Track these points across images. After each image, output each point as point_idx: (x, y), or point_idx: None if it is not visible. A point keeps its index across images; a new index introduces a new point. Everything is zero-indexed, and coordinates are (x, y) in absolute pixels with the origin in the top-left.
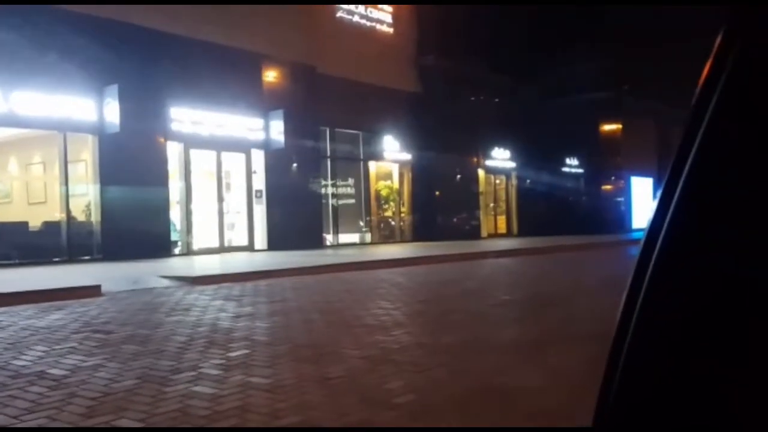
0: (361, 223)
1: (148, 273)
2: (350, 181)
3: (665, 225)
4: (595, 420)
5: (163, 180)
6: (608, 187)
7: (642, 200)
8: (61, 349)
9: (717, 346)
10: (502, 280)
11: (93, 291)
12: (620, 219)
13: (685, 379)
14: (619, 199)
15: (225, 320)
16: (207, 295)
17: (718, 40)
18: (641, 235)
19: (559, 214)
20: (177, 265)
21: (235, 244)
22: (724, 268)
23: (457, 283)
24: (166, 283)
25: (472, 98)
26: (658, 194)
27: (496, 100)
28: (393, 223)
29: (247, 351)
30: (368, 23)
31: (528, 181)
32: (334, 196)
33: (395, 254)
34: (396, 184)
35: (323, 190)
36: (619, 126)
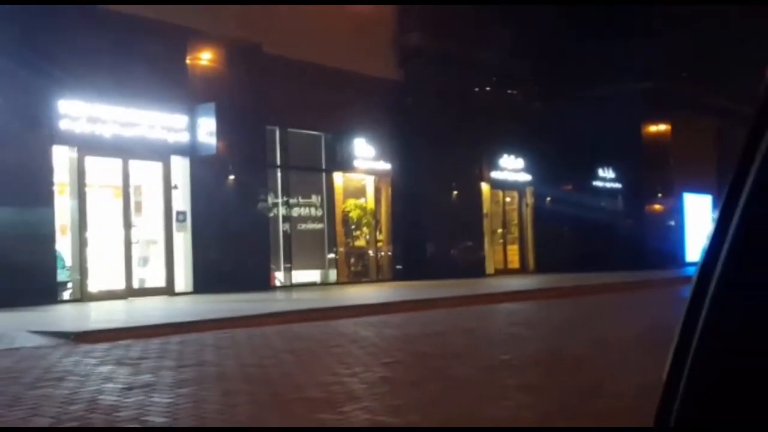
0: (328, 256)
1: (15, 327)
2: (309, 199)
3: (723, 254)
4: (657, 420)
5: (46, 198)
6: (655, 207)
7: (699, 224)
8: None
9: None
10: (504, 333)
11: None
12: (671, 249)
13: (751, 384)
14: (669, 223)
15: (110, 394)
16: (93, 357)
17: None
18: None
19: (589, 244)
20: (61, 315)
21: (148, 285)
22: None
23: (442, 337)
24: (38, 341)
25: (475, 90)
26: (714, 216)
27: (508, 92)
28: (367, 255)
29: None
30: None
31: (548, 199)
32: (286, 219)
33: (365, 298)
34: (371, 203)
35: (271, 212)
36: (669, 127)
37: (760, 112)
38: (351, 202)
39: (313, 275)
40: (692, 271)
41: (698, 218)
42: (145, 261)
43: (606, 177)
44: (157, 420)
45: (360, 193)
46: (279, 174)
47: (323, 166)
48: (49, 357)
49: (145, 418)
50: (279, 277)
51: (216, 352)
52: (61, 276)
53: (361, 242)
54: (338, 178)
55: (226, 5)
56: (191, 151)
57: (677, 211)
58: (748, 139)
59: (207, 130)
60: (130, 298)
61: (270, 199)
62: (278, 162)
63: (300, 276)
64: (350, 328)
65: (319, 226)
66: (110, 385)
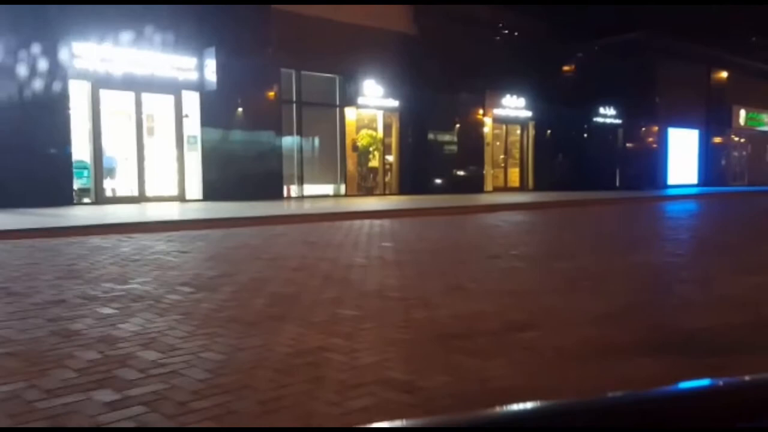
0: (335, 174)
1: None
2: (322, 128)
3: None
4: None
5: (63, 122)
6: (641, 139)
7: (682, 154)
8: None
9: None
10: (425, 239)
11: None
12: (652, 174)
13: None
14: (653, 152)
15: None
16: None
17: None
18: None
19: (582, 169)
20: (36, 217)
21: (161, 193)
22: None
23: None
24: None
25: (484, 42)
26: None
27: (510, 42)
28: (375, 174)
29: None
30: None
31: (548, 131)
32: (300, 144)
33: (342, 208)
34: (380, 133)
35: (285, 138)
36: (657, 71)
37: None
38: (362, 132)
39: (325, 189)
40: (672, 191)
41: (682, 149)
42: (158, 174)
43: (600, 113)
44: None
45: (370, 124)
46: (294, 108)
47: (337, 103)
48: None
49: None
50: (294, 189)
51: (50, 254)
52: (81, 184)
53: (372, 164)
54: (350, 112)
55: None
56: (200, 87)
57: (662, 143)
58: None
59: (211, 69)
60: (143, 203)
61: (280, 128)
62: (293, 98)
63: (313, 189)
64: (277, 233)
65: (332, 150)
66: None
